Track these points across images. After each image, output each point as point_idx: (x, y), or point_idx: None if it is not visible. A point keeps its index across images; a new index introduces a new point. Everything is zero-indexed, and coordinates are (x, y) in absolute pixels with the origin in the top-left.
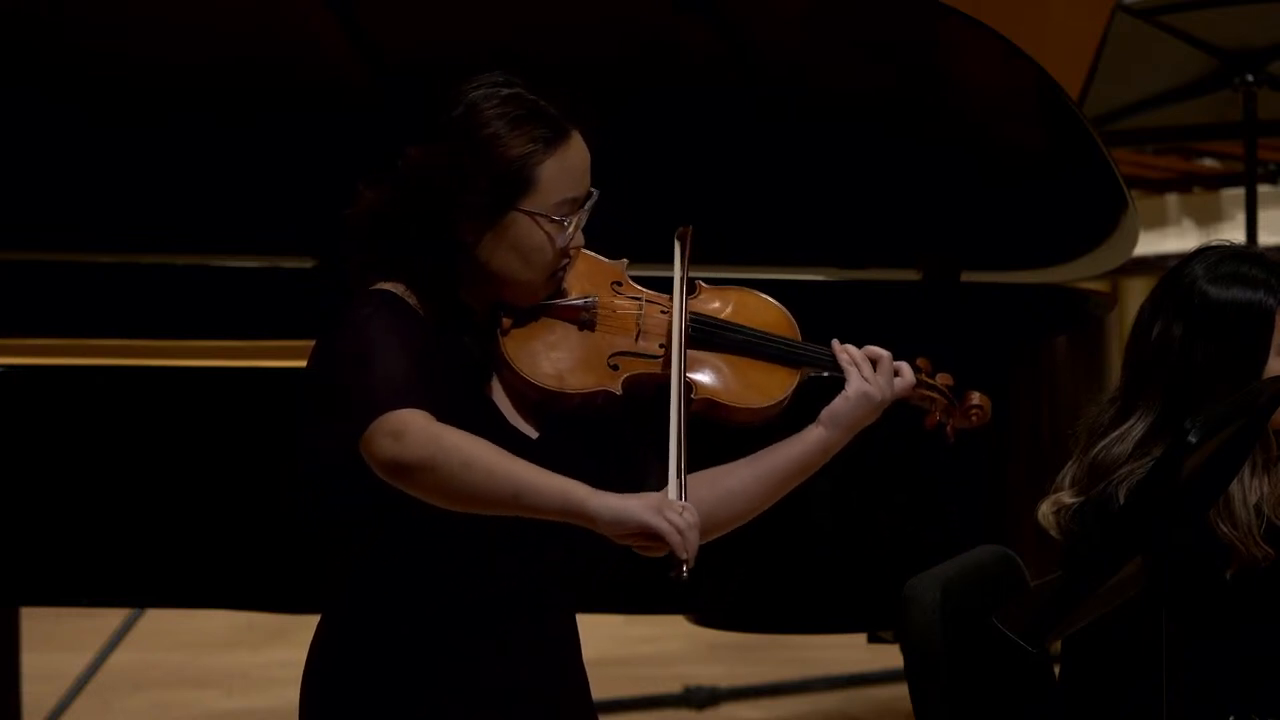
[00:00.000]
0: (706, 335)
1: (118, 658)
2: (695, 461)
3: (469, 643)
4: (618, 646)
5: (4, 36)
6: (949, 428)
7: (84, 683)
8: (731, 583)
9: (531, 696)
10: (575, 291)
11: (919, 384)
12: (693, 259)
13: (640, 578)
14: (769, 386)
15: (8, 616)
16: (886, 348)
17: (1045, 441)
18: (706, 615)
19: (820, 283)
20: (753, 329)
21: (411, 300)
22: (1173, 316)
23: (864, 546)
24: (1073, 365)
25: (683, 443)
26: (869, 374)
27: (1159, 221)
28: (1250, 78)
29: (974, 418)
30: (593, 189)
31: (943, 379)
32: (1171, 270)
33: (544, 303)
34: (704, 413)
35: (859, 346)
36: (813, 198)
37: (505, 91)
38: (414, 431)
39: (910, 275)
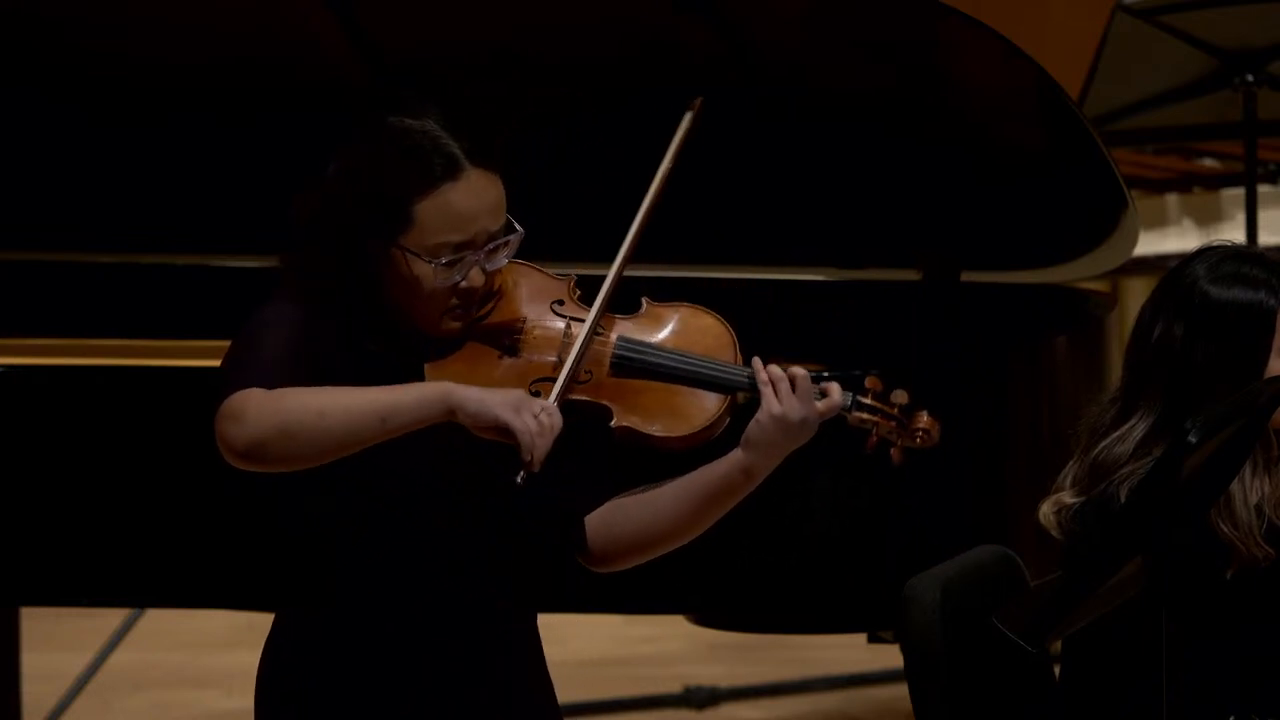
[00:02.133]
0: (631, 361)
1: (118, 658)
2: (633, 480)
3: (414, 647)
4: (618, 646)
5: (4, 36)
6: (894, 450)
7: (84, 683)
8: (731, 583)
9: (480, 698)
10: (508, 314)
11: (855, 405)
12: (693, 259)
13: (640, 578)
14: (692, 414)
15: (8, 616)
16: (887, 348)
17: (1045, 441)
18: (706, 615)
19: (820, 283)
20: (679, 354)
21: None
22: (1174, 316)
23: (864, 546)
24: (1073, 365)
25: (582, 355)
26: (784, 393)
27: (1159, 221)
28: (1250, 78)
29: (919, 440)
30: (514, 227)
31: (898, 397)
32: (1172, 270)
33: (470, 326)
34: (626, 439)
35: (853, 348)
36: (812, 198)
37: (409, 121)
38: (252, 406)
39: (910, 275)
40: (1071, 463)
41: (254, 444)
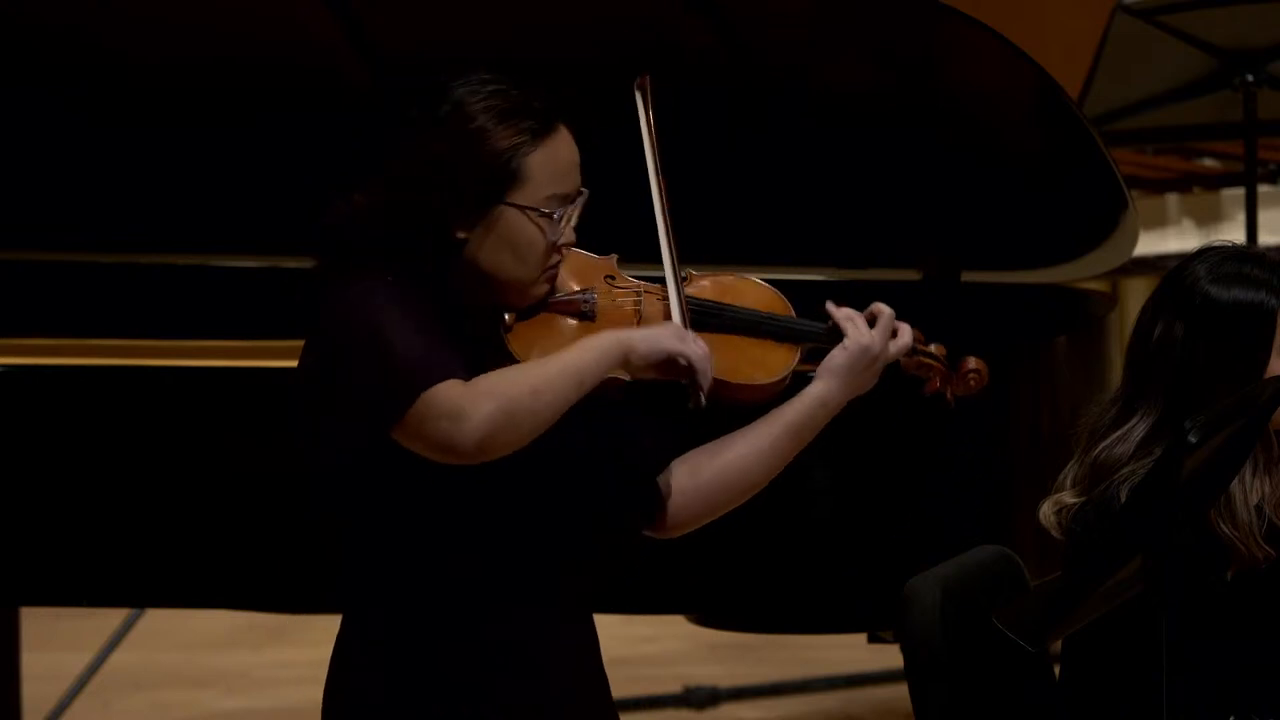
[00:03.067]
0: (704, 316)
1: (118, 658)
2: (697, 442)
3: (484, 640)
4: (618, 646)
5: (4, 36)
6: (948, 394)
7: (84, 683)
8: (732, 582)
9: (548, 693)
10: (571, 287)
11: (914, 351)
12: (694, 259)
13: (640, 578)
14: (771, 363)
15: (8, 616)
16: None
17: (1045, 441)
18: (706, 615)
19: (820, 283)
20: (749, 309)
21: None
22: (1174, 316)
23: (864, 546)
24: (1073, 365)
25: (680, 285)
26: (864, 328)
27: (1159, 221)
28: (1250, 78)
29: (972, 382)
30: (583, 188)
31: (938, 348)
32: (1173, 270)
33: (544, 300)
34: (711, 393)
35: None
36: (813, 198)
37: (491, 87)
38: (466, 401)
39: (910, 275)
40: (1072, 463)
41: (485, 437)
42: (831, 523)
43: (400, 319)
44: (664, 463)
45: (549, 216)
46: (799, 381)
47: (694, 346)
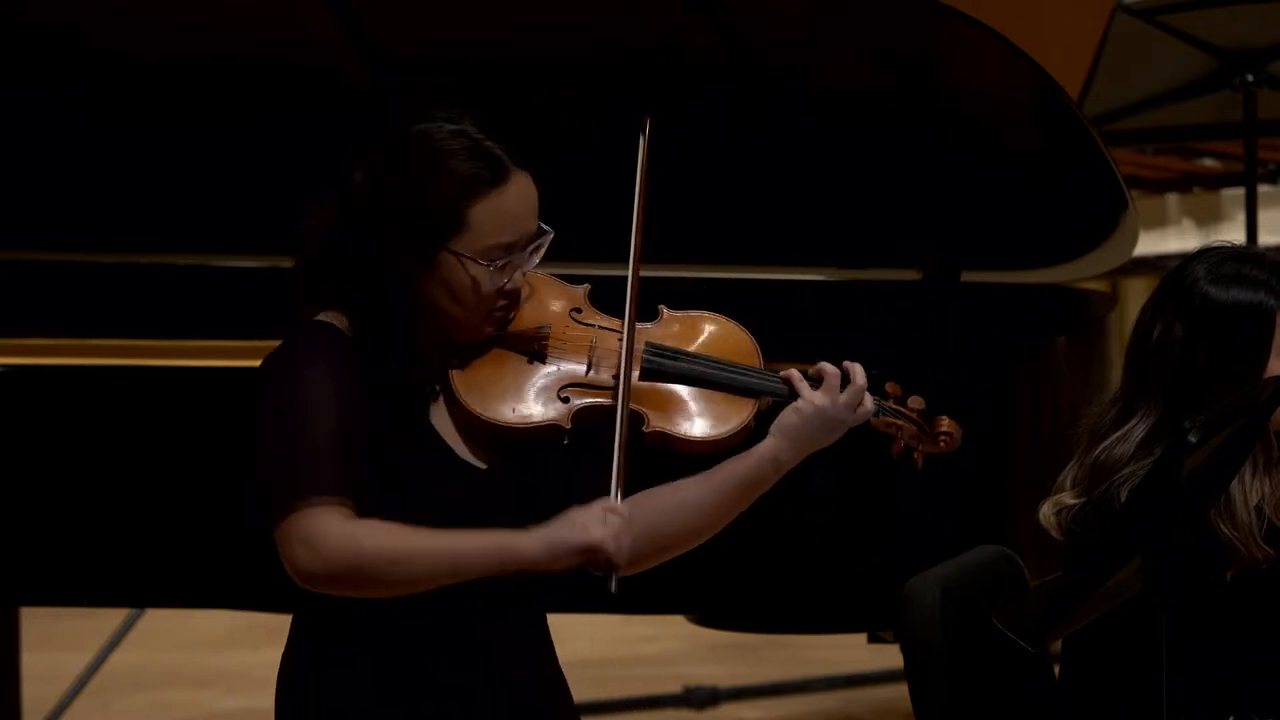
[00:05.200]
0: (661, 365)
1: (118, 658)
2: (650, 483)
3: (436, 643)
4: (618, 646)
5: (4, 36)
6: (916, 454)
7: (84, 683)
8: (732, 583)
9: (502, 693)
10: (530, 320)
11: (881, 411)
12: (694, 259)
13: (640, 578)
14: (724, 417)
15: (8, 616)
16: (887, 348)
17: (1045, 441)
18: (706, 615)
19: (820, 283)
20: (709, 358)
21: (349, 333)
22: (1174, 317)
23: (864, 546)
24: (1073, 365)
25: (622, 437)
26: (818, 390)
27: (1159, 221)
28: (1250, 78)
29: (942, 444)
30: (545, 228)
31: (914, 402)
32: (1173, 271)
33: (495, 335)
34: (659, 444)
35: (859, 347)
36: (813, 198)
37: (449, 128)
38: (331, 543)
39: (910, 275)
40: (1071, 463)
41: (325, 579)
42: (831, 523)
43: (316, 406)
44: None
45: (488, 266)
46: (760, 428)
47: (599, 531)
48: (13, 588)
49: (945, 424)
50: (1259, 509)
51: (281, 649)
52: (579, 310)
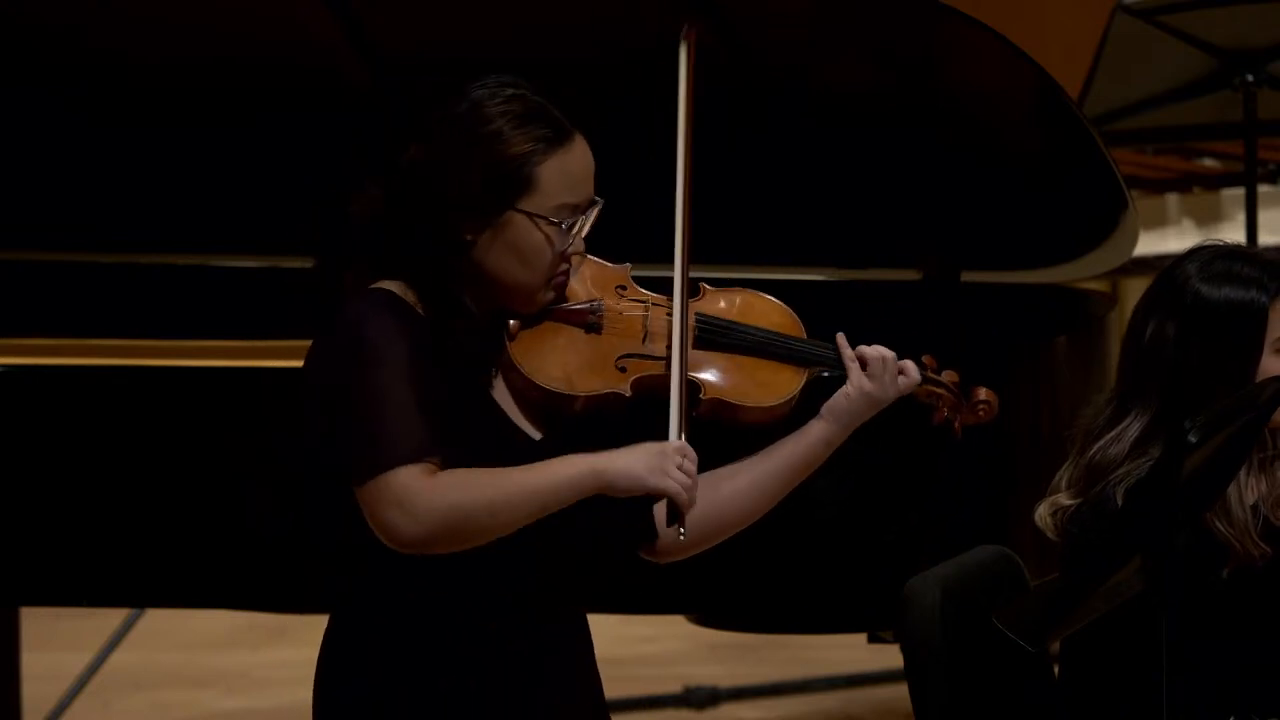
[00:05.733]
0: (713, 335)
1: (118, 658)
2: (702, 464)
3: (476, 644)
4: (618, 646)
5: (4, 36)
6: (956, 424)
7: (84, 683)
8: (732, 583)
9: (541, 697)
10: (580, 296)
11: (925, 380)
12: (694, 259)
13: (640, 578)
14: (777, 385)
15: (8, 616)
16: (888, 347)
17: (1045, 441)
18: (706, 615)
19: (820, 283)
20: (760, 328)
21: (410, 299)
22: (1167, 316)
23: (864, 546)
24: (1073, 365)
25: (684, 380)
26: (874, 371)
27: (1159, 221)
28: (1250, 78)
29: (981, 413)
30: (597, 198)
31: (949, 376)
32: (1165, 270)
33: (550, 307)
34: (713, 413)
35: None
36: (813, 198)
37: (510, 91)
38: (423, 501)
39: (910, 275)
40: (1067, 464)
41: (424, 539)
42: (832, 523)
43: (391, 367)
44: None
45: (558, 225)
46: (810, 395)
47: (672, 480)
48: (13, 588)
49: (983, 394)
50: (1255, 507)
51: (282, 649)
52: (624, 288)
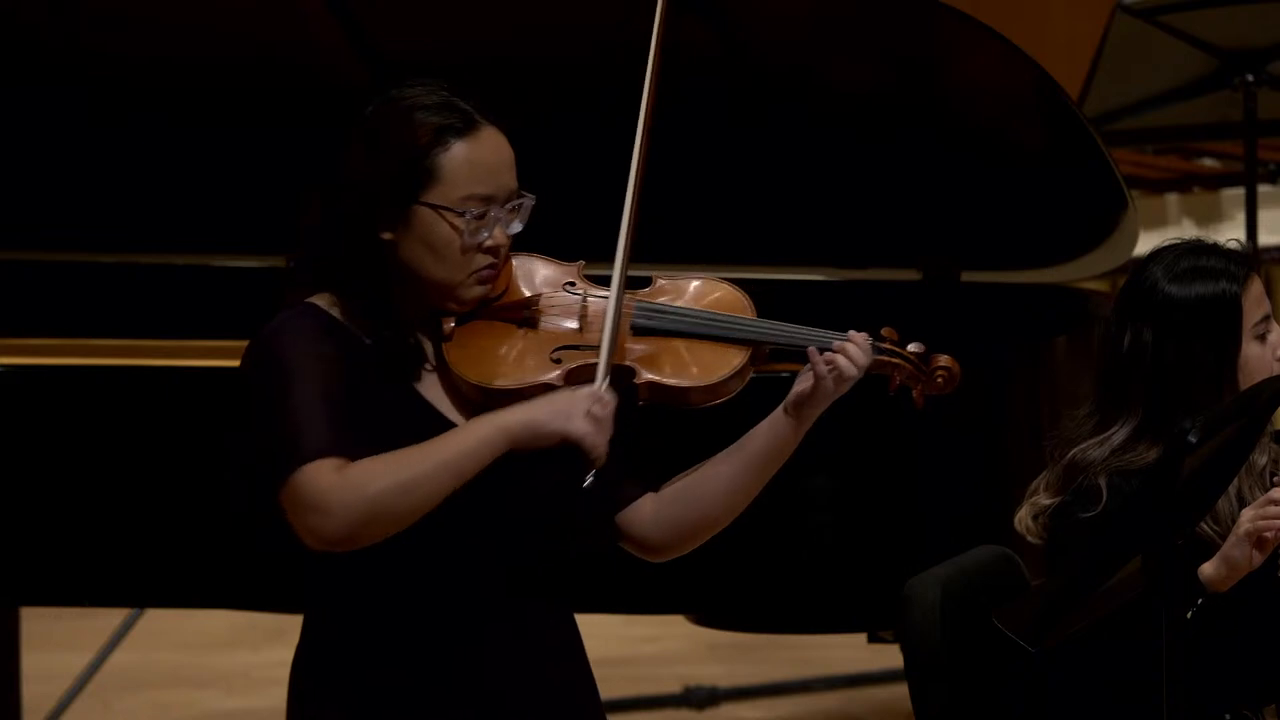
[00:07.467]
0: (650, 319)
1: (118, 658)
2: (671, 459)
3: (449, 639)
4: (618, 646)
5: (4, 36)
6: (915, 393)
7: (84, 683)
8: (732, 583)
9: (515, 692)
10: (524, 293)
11: (877, 351)
12: (693, 259)
13: (640, 578)
14: (714, 364)
15: (8, 616)
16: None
17: (1045, 441)
18: (707, 615)
19: (820, 283)
20: (697, 310)
21: (336, 311)
22: (1141, 322)
23: (864, 546)
24: (1073, 365)
25: (615, 332)
26: (823, 354)
27: (1159, 221)
28: (1250, 78)
29: (940, 380)
30: (524, 192)
31: (914, 347)
32: (1130, 277)
33: (488, 304)
34: (653, 397)
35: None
36: (813, 197)
37: (418, 88)
38: (335, 496)
39: (910, 275)
40: (1044, 472)
41: (346, 535)
42: (832, 523)
43: (296, 376)
44: (640, 490)
45: (463, 217)
46: (774, 382)
47: (581, 424)
48: (13, 588)
49: (943, 360)
50: (1241, 501)
51: (281, 649)
52: (572, 283)
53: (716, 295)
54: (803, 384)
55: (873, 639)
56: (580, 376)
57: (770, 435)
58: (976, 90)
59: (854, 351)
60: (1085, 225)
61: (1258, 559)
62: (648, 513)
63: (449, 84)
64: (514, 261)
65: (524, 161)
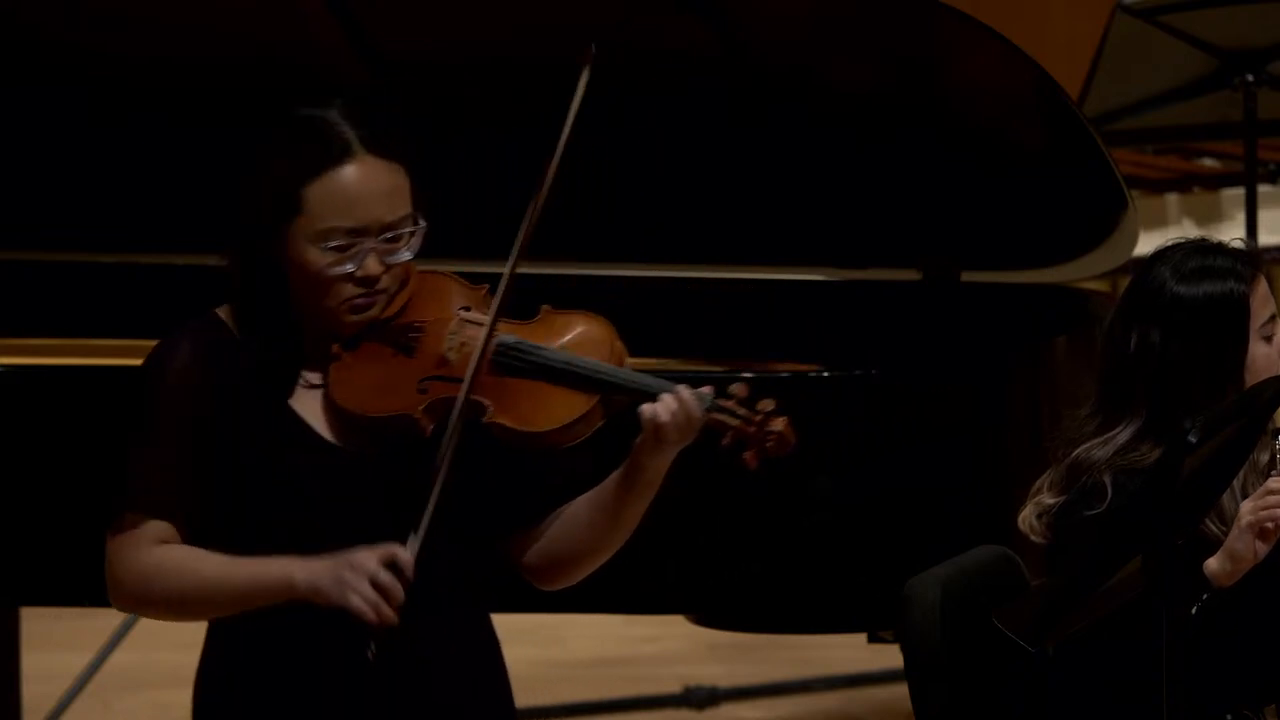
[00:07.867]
0: (510, 361)
1: (118, 658)
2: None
3: (343, 650)
4: (618, 646)
5: (4, 36)
6: (746, 454)
7: (84, 683)
8: (732, 583)
9: (416, 696)
10: (413, 315)
11: (711, 407)
12: (693, 259)
13: (641, 578)
14: (559, 410)
15: (8, 616)
16: (887, 347)
17: (1045, 441)
18: (707, 615)
19: (820, 283)
20: (560, 354)
21: (231, 322)
22: (1148, 323)
23: (864, 546)
24: (1073, 365)
25: (479, 366)
26: (667, 404)
27: (1159, 221)
28: (1250, 78)
29: (770, 445)
30: (419, 220)
31: (764, 404)
32: (1136, 277)
33: (375, 327)
34: (503, 438)
35: (853, 349)
36: (813, 197)
37: (305, 112)
38: (120, 569)
39: (910, 275)
40: (1047, 472)
41: (121, 603)
42: (831, 523)
43: (155, 423)
44: (525, 520)
45: (322, 249)
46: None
47: (355, 596)
48: (13, 588)
49: (778, 424)
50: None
51: None
52: (467, 308)
53: (588, 339)
54: (641, 434)
55: (873, 639)
56: (439, 410)
57: (621, 480)
58: (976, 90)
59: (664, 405)
60: (1085, 225)
61: (1262, 550)
62: (531, 543)
63: (348, 105)
64: (423, 280)
65: (524, 162)
